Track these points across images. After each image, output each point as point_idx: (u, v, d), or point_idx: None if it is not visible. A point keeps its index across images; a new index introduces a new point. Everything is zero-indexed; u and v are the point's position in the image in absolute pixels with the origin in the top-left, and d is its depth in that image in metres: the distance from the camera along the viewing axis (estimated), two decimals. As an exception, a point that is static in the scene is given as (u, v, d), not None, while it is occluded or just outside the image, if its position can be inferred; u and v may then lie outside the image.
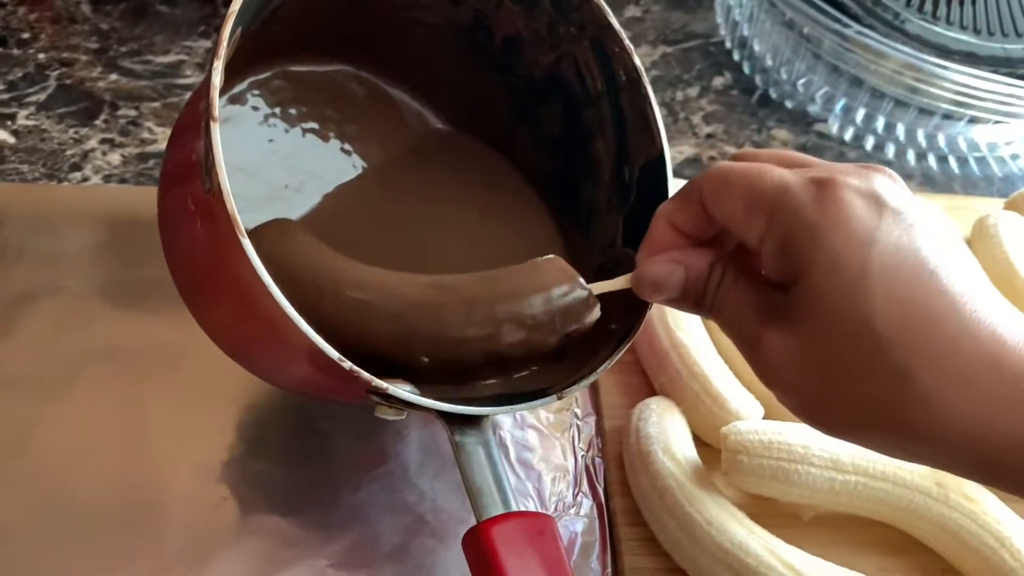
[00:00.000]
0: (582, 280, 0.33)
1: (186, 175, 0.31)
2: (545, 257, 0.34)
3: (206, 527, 0.38)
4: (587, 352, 0.35)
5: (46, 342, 0.43)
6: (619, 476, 0.42)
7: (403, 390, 0.30)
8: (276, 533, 0.38)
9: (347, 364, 0.28)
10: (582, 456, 0.42)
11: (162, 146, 0.53)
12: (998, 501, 0.40)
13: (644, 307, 0.35)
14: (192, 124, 0.31)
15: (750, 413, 0.42)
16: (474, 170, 0.43)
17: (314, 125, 0.41)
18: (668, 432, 0.41)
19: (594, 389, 0.45)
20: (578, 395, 0.45)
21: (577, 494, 0.41)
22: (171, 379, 0.42)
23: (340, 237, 0.36)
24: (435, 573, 0.38)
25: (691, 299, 0.31)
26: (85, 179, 0.51)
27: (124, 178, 0.51)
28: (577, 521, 0.40)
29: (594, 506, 0.41)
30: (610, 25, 0.37)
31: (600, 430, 0.44)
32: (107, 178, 0.51)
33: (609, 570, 0.39)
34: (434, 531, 0.39)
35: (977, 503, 0.39)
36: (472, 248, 0.40)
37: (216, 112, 0.28)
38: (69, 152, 0.52)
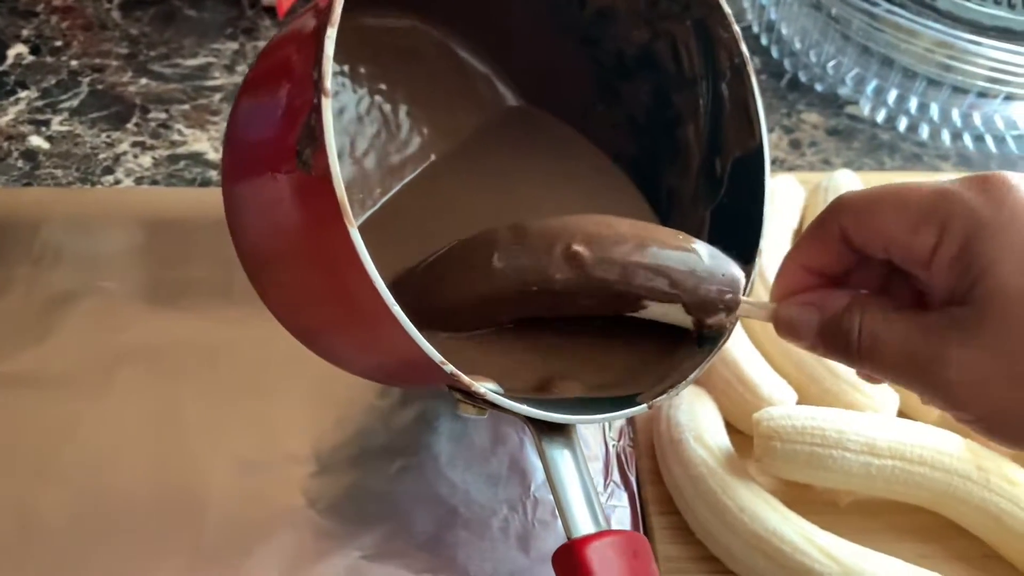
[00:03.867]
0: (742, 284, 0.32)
1: (270, 150, 0.29)
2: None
3: (241, 522, 0.39)
4: (666, 356, 0.34)
5: (85, 342, 0.44)
6: (651, 465, 0.41)
7: (497, 393, 0.29)
8: (310, 526, 0.38)
9: (448, 367, 0.27)
10: (613, 446, 0.42)
11: (193, 147, 0.54)
12: (1041, 484, 0.39)
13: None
14: (273, 95, 0.30)
15: (783, 398, 0.41)
16: (555, 147, 0.41)
17: (382, 87, 0.38)
18: (699, 419, 0.40)
19: (624, 378, 0.45)
20: (608, 384, 0.44)
21: (609, 484, 0.41)
22: (207, 377, 0.43)
23: (413, 222, 0.35)
24: (469, 564, 0.38)
25: (833, 344, 0.30)
26: (117, 182, 0.52)
27: (155, 180, 0.52)
28: (610, 511, 0.40)
29: (626, 495, 0.41)
30: (719, 7, 0.35)
31: (631, 419, 0.43)
32: (139, 180, 0.52)
33: (643, 559, 0.39)
34: (467, 522, 0.39)
35: (1020, 486, 0.38)
36: None
37: (329, 85, 0.26)
38: (101, 156, 0.53)
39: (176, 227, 0.49)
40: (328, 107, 0.25)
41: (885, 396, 0.42)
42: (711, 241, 0.36)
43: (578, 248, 0.31)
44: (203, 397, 0.42)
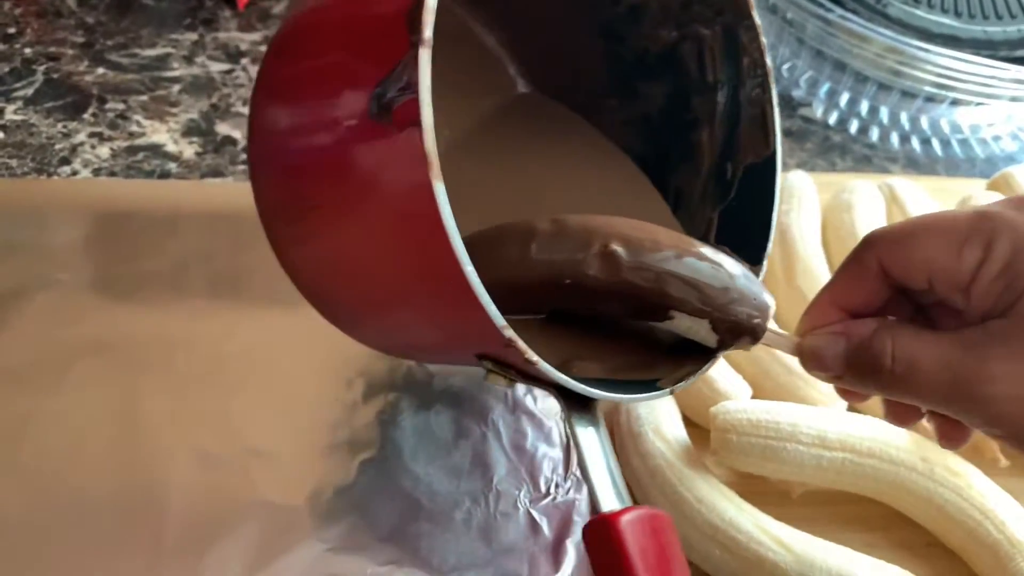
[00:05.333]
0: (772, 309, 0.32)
1: (336, 100, 0.28)
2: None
3: (203, 515, 0.38)
4: (680, 346, 0.34)
5: (39, 335, 0.43)
6: (611, 457, 0.42)
7: (548, 366, 0.28)
8: (274, 519, 0.38)
9: (508, 332, 0.27)
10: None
11: (152, 139, 0.54)
12: (982, 475, 0.41)
13: None
14: (345, 42, 0.29)
15: (738, 393, 0.42)
16: (569, 135, 0.41)
17: None
18: (658, 413, 0.41)
19: (585, 373, 0.46)
20: (569, 379, 0.45)
21: (569, 476, 0.42)
22: (165, 371, 0.43)
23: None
24: (431, 556, 0.38)
25: (862, 371, 0.30)
26: (74, 173, 0.51)
27: (114, 171, 0.51)
28: (570, 502, 0.41)
29: (586, 488, 0.41)
30: (750, 15, 0.36)
31: (591, 413, 0.44)
32: (96, 171, 0.51)
33: (602, 549, 0.40)
34: (430, 515, 0.39)
35: (962, 477, 0.40)
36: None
37: (429, 34, 0.25)
38: (58, 146, 0.52)
39: (133, 219, 0.49)
40: (426, 57, 0.25)
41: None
42: (718, 241, 0.36)
43: (615, 248, 0.31)
44: (161, 391, 0.42)
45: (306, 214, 0.31)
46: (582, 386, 0.30)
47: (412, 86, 0.25)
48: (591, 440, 0.31)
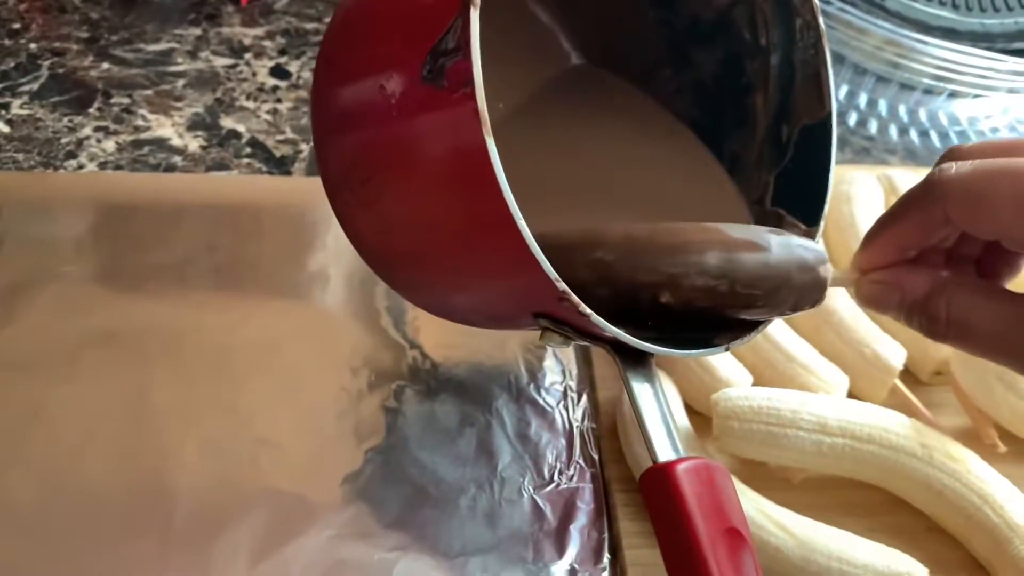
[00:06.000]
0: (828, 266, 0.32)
1: (391, 63, 0.29)
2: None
3: (211, 503, 0.39)
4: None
5: (48, 327, 0.44)
6: (613, 445, 0.43)
7: (602, 320, 0.29)
8: (280, 506, 0.39)
9: (561, 285, 0.28)
10: (577, 427, 0.43)
11: (157, 133, 0.54)
12: (980, 460, 0.41)
13: None
14: (382, 10, 0.30)
15: (739, 380, 0.43)
16: (623, 106, 0.41)
17: None
18: (660, 401, 0.42)
19: (588, 361, 0.46)
20: (572, 368, 0.46)
21: (572, 463, 0.42)
22: (173, 361, 0.43)
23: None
24: (437, 542, 0.39)
25: (917, 323, 0.30)
26: (80, 167, 0.51)
27: (119, 165, 0.52)
28: (574, 489, 0.41)
29: (590, 474, 0.42)
30: None
31: (594, 401, 0.45)
32: (102, 165, 0.52)
33: (605, 535, 0.40)
34: (436, 502, 0.40)
35: (961, 462, 0.40)
36: (648, 190, 0.38)
37: None
38: (64, 140, 0.52)
39: (139, 212, 0.49)
40: (475, 18, 0.26)
41: (836, 378, 0.44)
42: (775, 204, 0.36)
43: (685, 279, 0.30)
44: (169, 381, 0.43)
45: (367, 180, 0.32)
46: (638, 341, 0.30)
47: (463, 47, 0.26)
48: (647, 394, 0.32)
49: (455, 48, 0.26)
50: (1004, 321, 0.29)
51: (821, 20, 0.36)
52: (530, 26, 0.41)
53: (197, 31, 0.61)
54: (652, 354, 0.32)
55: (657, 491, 0.30)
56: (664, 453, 0.30)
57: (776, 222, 0.36)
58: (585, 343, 0.31)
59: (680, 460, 0.30)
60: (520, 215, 0.27)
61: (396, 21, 0.30)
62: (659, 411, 0.32)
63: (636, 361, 0.32)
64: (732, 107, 0.40)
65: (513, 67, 0.39)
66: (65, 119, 0.54)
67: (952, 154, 0.30)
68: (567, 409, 0.44)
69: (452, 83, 0.26)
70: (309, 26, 0.63)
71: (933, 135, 0.65)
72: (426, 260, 0.34)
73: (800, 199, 0.36)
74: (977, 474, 0.40)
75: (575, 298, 0.28)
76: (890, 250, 0.31)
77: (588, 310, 0.28)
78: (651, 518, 0.31)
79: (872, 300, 0.31)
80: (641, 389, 0.32)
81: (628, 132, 0.40)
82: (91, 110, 0.54)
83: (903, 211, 0.31)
